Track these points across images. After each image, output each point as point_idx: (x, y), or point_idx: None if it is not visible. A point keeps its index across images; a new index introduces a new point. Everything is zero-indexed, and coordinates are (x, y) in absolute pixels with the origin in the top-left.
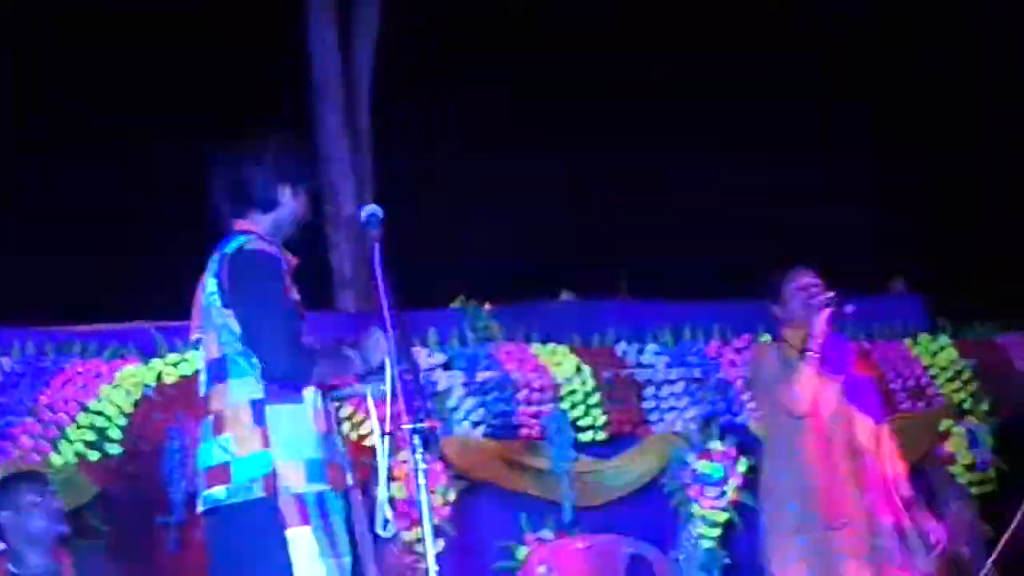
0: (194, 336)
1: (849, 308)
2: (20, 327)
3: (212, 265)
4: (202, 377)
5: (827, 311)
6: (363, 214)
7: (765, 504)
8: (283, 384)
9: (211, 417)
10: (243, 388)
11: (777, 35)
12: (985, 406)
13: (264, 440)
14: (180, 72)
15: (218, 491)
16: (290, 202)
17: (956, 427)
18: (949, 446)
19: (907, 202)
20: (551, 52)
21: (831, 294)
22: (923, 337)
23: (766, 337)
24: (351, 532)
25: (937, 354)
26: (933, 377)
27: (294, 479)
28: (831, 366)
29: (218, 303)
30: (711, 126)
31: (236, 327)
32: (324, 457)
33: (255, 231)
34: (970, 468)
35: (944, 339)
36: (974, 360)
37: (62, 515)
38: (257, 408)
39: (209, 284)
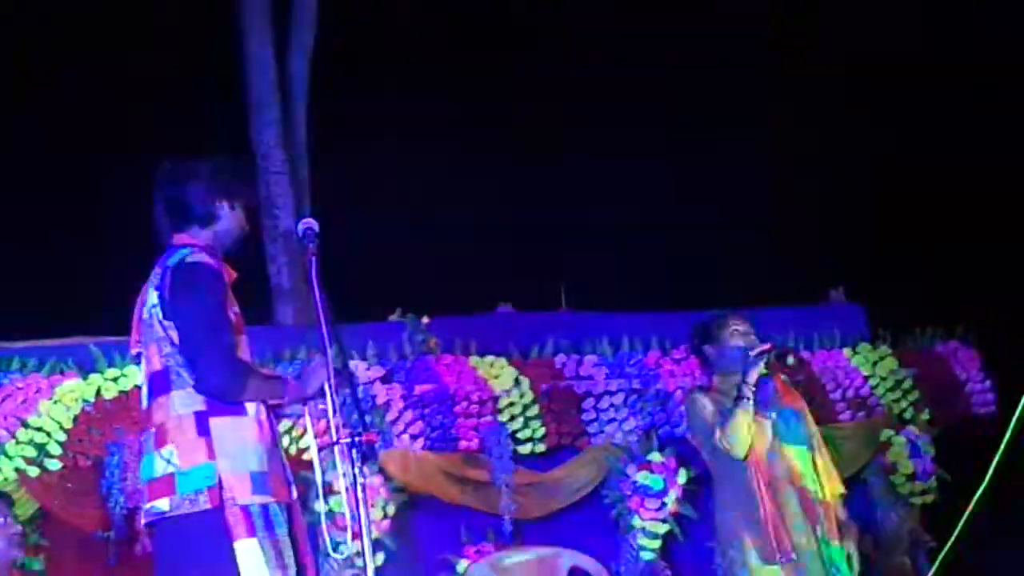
0: (135, 350)
1: (791, 360)
2: None
3: (154, 278)
4: (144, 390)
5: (762, 362)
6: (300, 228)
7: (721, 544)
8: (219, 399)
9: (153, 429)
10: (186, 400)
11: (716, 38)
12: (926, 415)
13: (209, 451)
14: (116, 88)
15: (161, 503)
16: (228, 217)
17: (897, 437)
18: (890, 456)
19: (847, 211)
20: (488, 61)
21: (767, 346)
22: (863, 347)
23: None
24: (295, 544)
25: (877, 364)
26: (873, 387)
27: (240, 491)
28: (762, 406)
29: (160, 315)
30: (651, 135)
31: (177, 339)
32: (268, 469)
33: (196, 244)
34: (911, 478)
35: (884, 348)
36: (914, 369)
37: (21, 540)
38: (201, 420)
39: (151, 297)
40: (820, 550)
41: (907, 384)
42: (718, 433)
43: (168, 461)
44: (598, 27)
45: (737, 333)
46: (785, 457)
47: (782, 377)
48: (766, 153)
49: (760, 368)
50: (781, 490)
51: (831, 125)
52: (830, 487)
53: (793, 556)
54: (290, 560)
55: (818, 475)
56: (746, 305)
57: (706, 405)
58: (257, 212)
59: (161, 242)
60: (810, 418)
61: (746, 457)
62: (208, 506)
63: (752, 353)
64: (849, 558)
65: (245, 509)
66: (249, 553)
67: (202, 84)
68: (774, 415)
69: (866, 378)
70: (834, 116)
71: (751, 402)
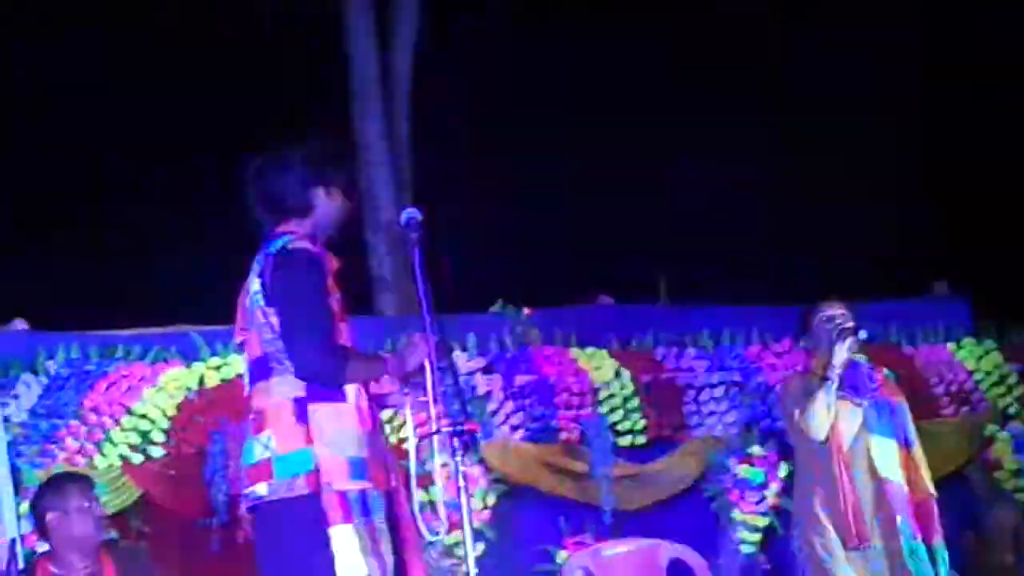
0: (239, 338)
1: (862, 334)
2: (65, 332)
3: (256, 265)
4: (246, 377)
5: (847, 341)
6: (402, 217)
7: (797, 529)
8: (318, 384)
9: (253, 416)
10: (285, 386)
11: (809, 33)
12: None
13: (307, 437)
14: (220, 80)
15: (260, 488)
16: (326, 203)
17: (1001, 432)
18: (994, 452)
19: (952, 204)
20: (597, 51)
21: (850, 325)
22: (967, 341)
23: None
24: (394, 531)
25: (982, 358)
26: (978, 382)
27: (337, 476)
28: (854, 392)
29: (261, 302)
30: (752, 129)
31: (278, 326)
32: (367, 456)
33: (297, 232)
34: (1016, 474)
35: (989, 343)
36: (1019, 364)
37: (106, 522)
38: (300, 406)
39: (253, 284)
40: (903, 545)
41: (1012, 379)
42: (796, 413)
43: (266, 446)
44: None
45: (824, 318)
46: (869, 447)
47: (884, 370)
48: (872, 146)
49: (845, 349)
50: (859, 478)
51: (937, 117)
52: (923, 485)
53: (866, 545)
54: (387, 547)
55: (909, 471)
56: (849, 298)
57: (796, 386)
58: (356, 191)
59: (261, 233)
60: (908, 415)
61: (827, 440)
62: (305, 491)
63: (834, 333)
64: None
65: (342, 495)
66: (344, 538)
67: (305, 75)
68: (866, 403)
69: (970, 373)
70: (941, 108)
71: (834, 384)
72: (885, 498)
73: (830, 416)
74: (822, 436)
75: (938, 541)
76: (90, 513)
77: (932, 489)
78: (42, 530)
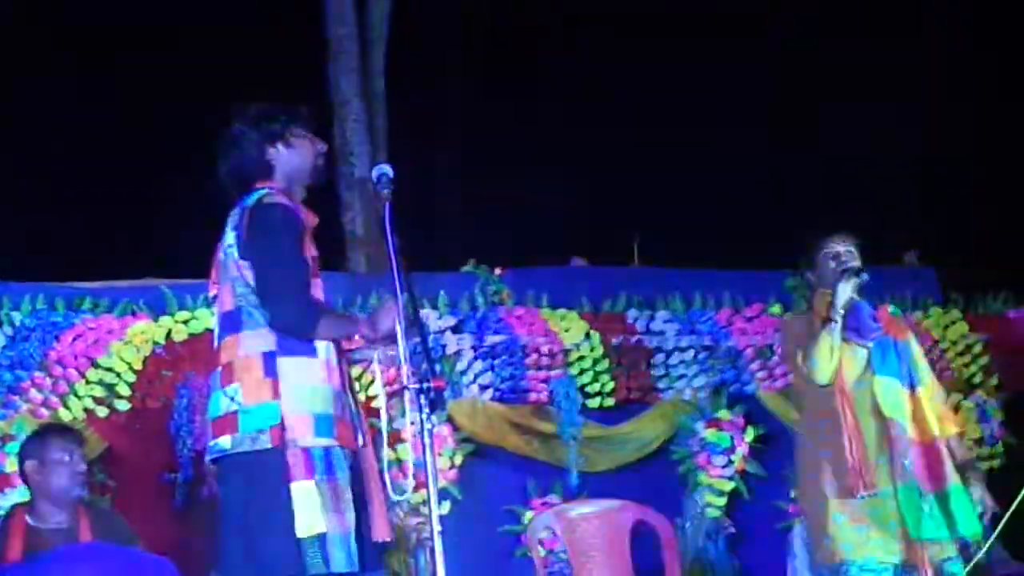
0: (213, 291)
1: (865, 276)
2: (31, 282)
3: (232, 218)
4: (216, 330)
5: (851, 281)
6: (374, 173)
7: (802, 475)
8: (292, 335)
9: (220, 368)
10: (255, 340)
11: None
12: (995, 380)
13: (274, 392)
14: (193, 33)
15: (224, 441)
16: (287, 155)
17: (965, 401)
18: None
19: (920, 174)
20: (567, 14)
21: (854, 264)
22: (934, 310)
23: (776, 308)
24: (361, 488)
25: (948, 328)
26: (944, 351)
27: (302, 432)
28: (856, 334)
29: (236, 255)
30: (724, 94)
31: (251, 279)
32: (335, 413)
33: (274, 187)
34: (979, 442)
35: (955, 313)
36: (985, 334)
37: (84, 478)
38: (268, 360)
39: (228, 237)
40: (899, 490)
41: (977, 349)
42: (799, 356)
43: (232, 399)
44: None
45: (829, 255)
46: (873, 388)
47: (889, 308)
48: (838, 114)
49: (848, 290)
50: (864, 421)
51: (912, 92)
52: (940, 427)
53: (873, 491)
54: (348, 505)
55: (915, 412)
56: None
57: (798, 327)
58: (332, 158)
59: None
60: (918, 352)
61: (831, 383)
62: (269, 445)
63: (837, 271)
64: (972, 500)
65: (306, 451)
66: (305, 495)
67: (281, 30)
68: (870, 344)
69: (936, 342)
70: (916, 83)
71: (838, 326)
72: (891, 439)
73: (833, 359)
74: (825, 380)
75: (953, 486)
76: (69, 467)
77: (938, 432)
78: (23, 477)
